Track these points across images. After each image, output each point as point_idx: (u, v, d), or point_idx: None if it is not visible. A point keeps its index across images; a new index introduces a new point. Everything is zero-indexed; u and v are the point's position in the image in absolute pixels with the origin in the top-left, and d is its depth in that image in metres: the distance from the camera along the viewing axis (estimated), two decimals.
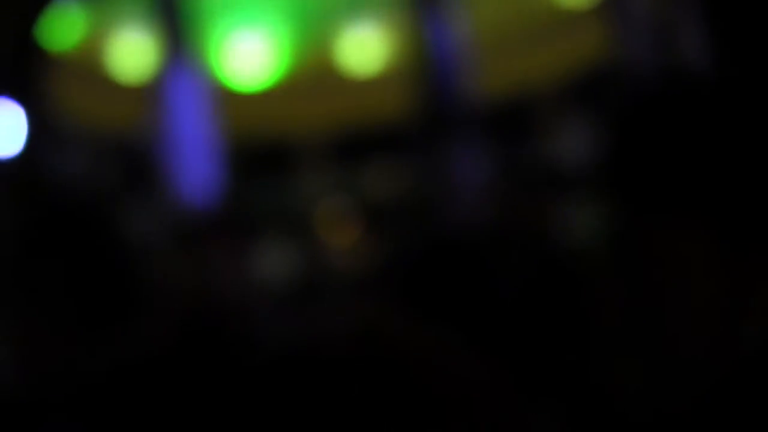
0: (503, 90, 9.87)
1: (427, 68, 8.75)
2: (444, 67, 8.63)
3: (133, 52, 12.46)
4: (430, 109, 8.68)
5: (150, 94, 9.39)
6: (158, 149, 9.14)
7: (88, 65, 12.41)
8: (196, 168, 8.87)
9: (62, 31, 11.66)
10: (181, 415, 1.52)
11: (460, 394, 0.80)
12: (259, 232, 11.84)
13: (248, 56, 13.76)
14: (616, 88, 7.56)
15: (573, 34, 10.17)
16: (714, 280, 0.89)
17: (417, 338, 0.85)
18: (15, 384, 1.55)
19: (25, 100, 9.86)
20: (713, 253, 0.90)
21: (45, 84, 10.36)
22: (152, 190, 9.24)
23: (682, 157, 0.92)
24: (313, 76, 13.59)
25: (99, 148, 13.24)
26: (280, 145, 15.56)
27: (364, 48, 13.70)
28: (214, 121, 9.42)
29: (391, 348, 0.80)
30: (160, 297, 1.91)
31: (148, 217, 11.23)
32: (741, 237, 0.92)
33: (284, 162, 15.46)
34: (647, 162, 0.95)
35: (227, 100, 13.05)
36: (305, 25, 13.92)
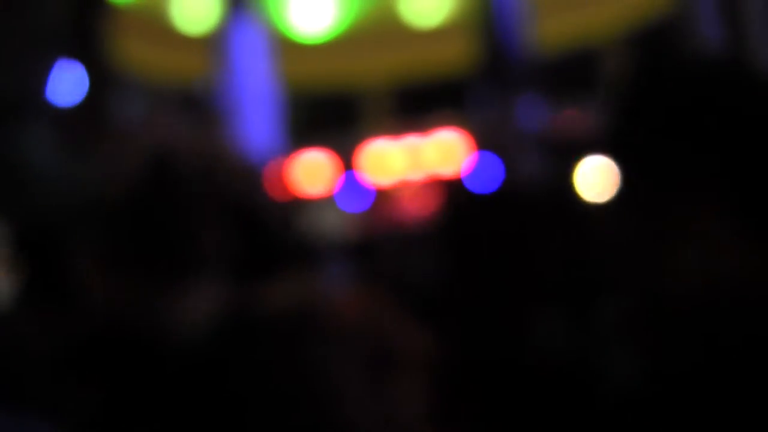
0: (564, 41, 9.75)
1: (488, 19, 8.68)
2: (505, 18, 8.55)
3: (195, 2, 12.52)
4: (492, 60, 8.62)
5: (212, 45, 9.41)
6: (220, 99, 9.17)
7: (150, 16, 12.50)
8: (257, 118, 8.89)
9: None
10: None
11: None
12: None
13: (311, 7, 13.75)
14: (675, 42, 7.45)
15: None
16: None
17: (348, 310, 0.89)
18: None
19: (87, 53, 10.01)
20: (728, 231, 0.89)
21: (108, 35, 10.47)
22: (212, 140, 9.28)
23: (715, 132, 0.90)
24: (375, 26, 13.56)
25: (161, 97, 13.40)
26: (343, 96, 15.59)
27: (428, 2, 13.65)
28: (276, 72, 9.45)
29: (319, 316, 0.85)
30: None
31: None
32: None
33: (346, 113, 15.48)
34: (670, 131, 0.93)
35: (289, 50, 13.07)
36: None
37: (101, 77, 9.96)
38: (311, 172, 12.63)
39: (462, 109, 11.82)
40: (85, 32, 10.26)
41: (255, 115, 8.96)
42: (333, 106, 17.47)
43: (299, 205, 12.25)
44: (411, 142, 12.88)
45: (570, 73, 10.04)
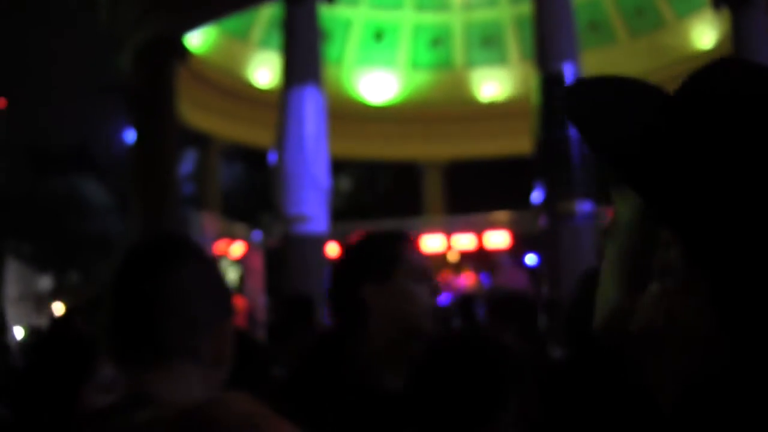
0: None
1: (546, 108, 8.64)
2: (560, 108, 8.50)
3: (263, 68, 12.72)
4: (549, 146, 8.51)
5: (277, 109, 9.40)
6: (281, 159, 9.08)
7: (219, 76, 12.70)
8: (316, 181, 8.83)
9: (200, 42, 11.97)
10: None
11: None
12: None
13: (378, 79, 13.83)
14: None
15: None
16: None
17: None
18: None
19: (153, 106, 10.09)
20: None
21: (175, 91, 10.56)
22: (271, 197, 9.25)
23: None
24: (439, 104, 13.62)
25: (222, 152, 13.53)
26: (404, 168, 15.57)
27: (491, 83, 13.76)
28: (335, 142, 9.41)
29: None
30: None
31: (267, 222, 11.34)
32: None
33: (408, 184, 15.45)
34: None
35: (353, 121, 13.13)
36: (436, 54, 13.97)
37: (165, 130, 10.00)
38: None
39: (515, 196, 11.76)
40: (152, 86, 10.32)
41: (315, 178, 8.90)
42: (391, 178, 17.46)
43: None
44: (461, 240, 13.33)
45: None
